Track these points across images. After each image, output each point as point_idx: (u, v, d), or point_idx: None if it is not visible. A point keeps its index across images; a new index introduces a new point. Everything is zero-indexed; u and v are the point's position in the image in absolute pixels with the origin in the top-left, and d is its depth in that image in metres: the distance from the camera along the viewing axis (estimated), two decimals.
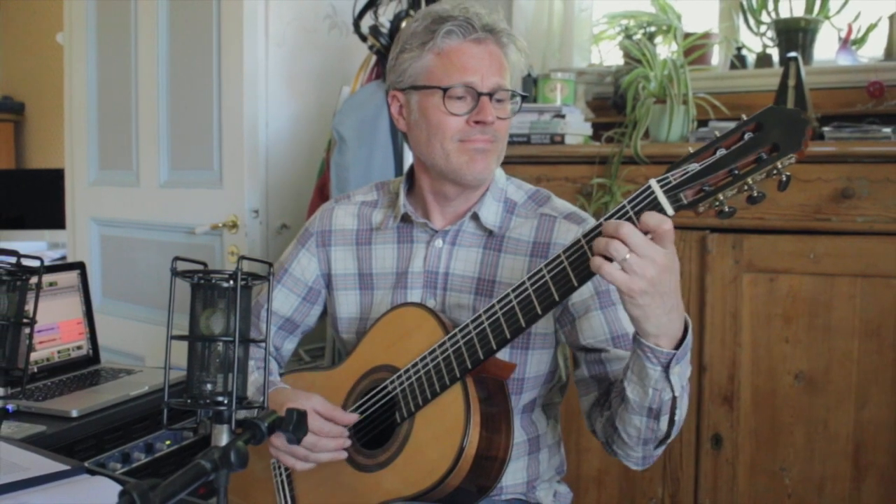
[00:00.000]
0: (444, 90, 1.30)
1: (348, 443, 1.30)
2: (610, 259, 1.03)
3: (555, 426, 1.48)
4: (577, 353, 1.36)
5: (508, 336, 1.18)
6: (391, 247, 1.44)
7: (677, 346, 1.11)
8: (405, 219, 1.42)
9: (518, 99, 1.37)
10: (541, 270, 1.15)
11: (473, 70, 1.30)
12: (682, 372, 1.14)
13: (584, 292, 1.29)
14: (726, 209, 1.04)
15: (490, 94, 1.31)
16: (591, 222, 1.34)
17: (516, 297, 1.17)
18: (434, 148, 1.33)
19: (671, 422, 1.18)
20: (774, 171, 1.01)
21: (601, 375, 1.32)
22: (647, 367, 1.12)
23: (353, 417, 1.31)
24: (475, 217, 1.39)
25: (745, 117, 1.05)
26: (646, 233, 1.03)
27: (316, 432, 1.26)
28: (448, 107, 1.30)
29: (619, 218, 1.07)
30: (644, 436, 1.21)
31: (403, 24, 2.36)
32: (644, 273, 1.02)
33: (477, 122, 1.30)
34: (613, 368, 1.30)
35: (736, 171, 1.02)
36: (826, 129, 2.08)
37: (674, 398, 1.15)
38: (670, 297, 1.06)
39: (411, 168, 1.46)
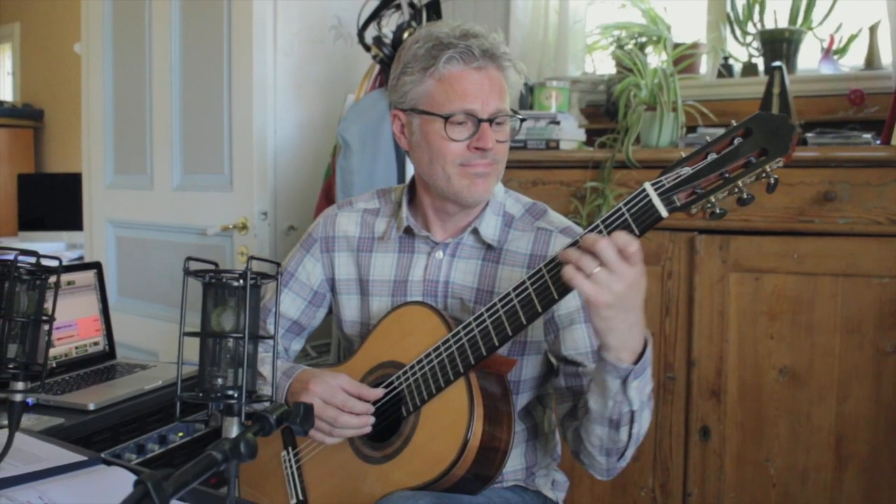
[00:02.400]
0: (446, 118, 1.28)
1: (371, 419, 1.28)
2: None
3: (550, 414, 1.48)
4: (557, 362, 1.37)
5: (510, 333, 1.17)
6: (391, 256, 1.43)
7: (637, 361, 1.12)
8: (407, 231, 1.41)
9: (518, 120, 1.34)
10: (540, 270, 1.15)
11: (474, 97, 1.27)
12: (640, 387, 1.15)
13: (570, 304, 1.30)
14: (717, 210, 1.04)
15: (490, 120, 1.28)
16: None
17: (517, 295, 1.16)
18: (435, 170, 1.31)
19: (630, 434, 1.20)
20: (763, 174, 1.01)
21: (577, 388, 1.33)
22: (607, 380, 1.14)
23: (379, 392, 1.30)
24: (475, 231, 1.38)
25: (734, 123, 1.05)
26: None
27: (339, 406, 1.26)
28: (449, 133, 1.28)
29: (610, 225, 1.08)
30: (606, 445, 1.23)
31: (405, 35, 2.35)
32: (611, 287, 1.04)
33: (477, 148, 1.28)
34: (588, 383, 1.30)
35: (726, 175, 1.02)
36: (809, 135, 2.08)
37: (632, 412, 1.17)
38: (633, 313, 1.08)
39: (413, 179, 1.44)
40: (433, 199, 1.37)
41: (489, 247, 1.37)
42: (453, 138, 1.28)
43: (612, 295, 1.04)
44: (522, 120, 1.37)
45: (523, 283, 1.16)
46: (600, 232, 1.09)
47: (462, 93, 1.27)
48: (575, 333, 1.32)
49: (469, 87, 1.27)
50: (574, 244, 1.10)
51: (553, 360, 1.39)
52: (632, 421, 1.18)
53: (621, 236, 1.04)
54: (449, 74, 1.27)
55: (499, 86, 1.30)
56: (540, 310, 1.15)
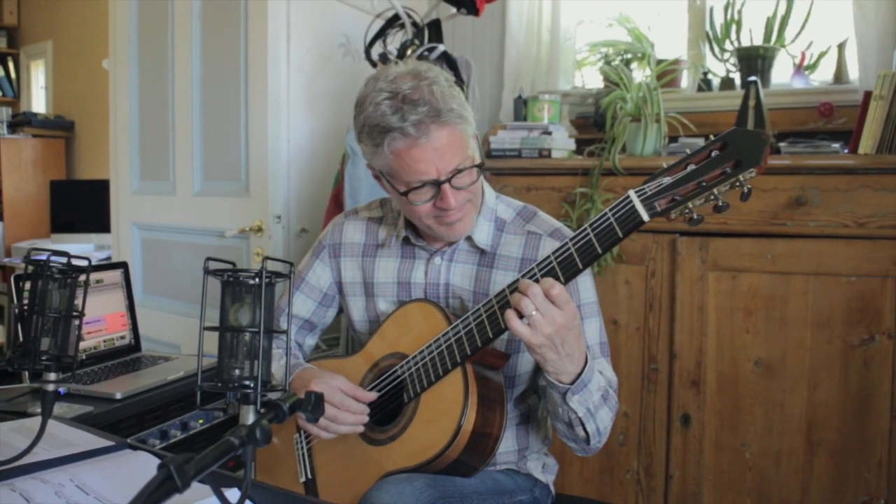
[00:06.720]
0: (406, 193, 1.24)
1: (366, 419, 1.29)
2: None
3: (543, 401, 1.48)
4: None
5: (503, 326, 1.18)
6: (394, 260, 1.43)
7: (575, 380, 1.17)
8: (405, 240, 1.41)
9: (476, 166, 1.26)
10: (532, 269, 1.16)
11: (426, 167, 1.21)
12: (582, 399, 1.19)
13: (573, 301, 1.29)
14: (695, 216, 1.05)
15: (448, 180, 1.23)
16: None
17: (510, 291, 1.17)
18: (416, 221, 1.32)
19: (586, 431, 1.23)
20: (737, 184, 1.01)
21: None
22: (551, 392, 1.21)
23: (372, 395, 1.31)
24: (469, 238, 1.37)
25: (712, 136, 1.06)
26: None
27: (338, 406, 1.27)
28: (412, 199, 1.25)
29: (596, 228, 1.09)
30: (569, 436, 1.27)
31: (409, 52, 2.36)
32: (542, 329, 1.09)
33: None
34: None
35: (703, 183, 1.03)
36: (782, 144, 2.09)
37: (579, 417, 1.21)
38: (566, 348, 1.13)
39: None
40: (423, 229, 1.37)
41: (483, 252, 1.37)
42: (418, 203, 1.25)
43: (542, 336, 1.09)
44: (480, 166, 1.27)
45: (516, 281, 1.16)
46: (586, 236, 1.10)
47: (415, 168, 1.21)
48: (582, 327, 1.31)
49: (420, 162, 1.21)
50: (514, 288, 1.14)
51: None
52: (582, 422, 1.21)
53: (546, 280, 1.09)
54: (398, 151, 1.21)
55: (449, 142, 1.21)
56: None
